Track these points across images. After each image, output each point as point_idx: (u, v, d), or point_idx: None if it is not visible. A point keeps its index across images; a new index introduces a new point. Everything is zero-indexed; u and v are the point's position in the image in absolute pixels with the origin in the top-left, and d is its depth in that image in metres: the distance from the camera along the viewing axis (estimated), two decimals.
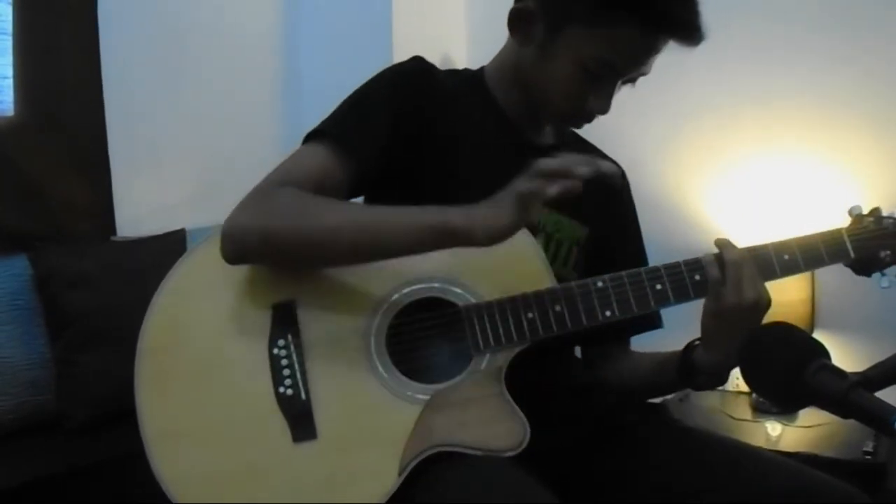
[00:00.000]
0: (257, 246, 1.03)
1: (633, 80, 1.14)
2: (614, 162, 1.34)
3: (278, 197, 1.04)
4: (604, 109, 1.13)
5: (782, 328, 0.82)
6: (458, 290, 1.06)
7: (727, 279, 1.04)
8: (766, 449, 1.24)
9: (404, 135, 1.11)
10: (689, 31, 1.06)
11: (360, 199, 1.20)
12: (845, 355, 2.22)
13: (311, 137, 1.12)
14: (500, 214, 0.94)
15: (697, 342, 1.12)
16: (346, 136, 1.09)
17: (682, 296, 1.06)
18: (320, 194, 1.05)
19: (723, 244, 1.08)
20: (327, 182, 1.07)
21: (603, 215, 1.25)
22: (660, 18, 1.06)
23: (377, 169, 1.11)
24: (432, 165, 1.13)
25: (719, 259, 1.06)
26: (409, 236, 0.99)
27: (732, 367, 1.09)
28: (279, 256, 1.05)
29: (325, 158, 1.08)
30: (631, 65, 1.10)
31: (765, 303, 1.05)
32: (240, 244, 1.03)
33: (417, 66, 1.17)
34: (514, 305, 1.04)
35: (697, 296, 1.06)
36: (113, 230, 2.22)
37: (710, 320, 1.07)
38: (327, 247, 1.02)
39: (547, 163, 0.93)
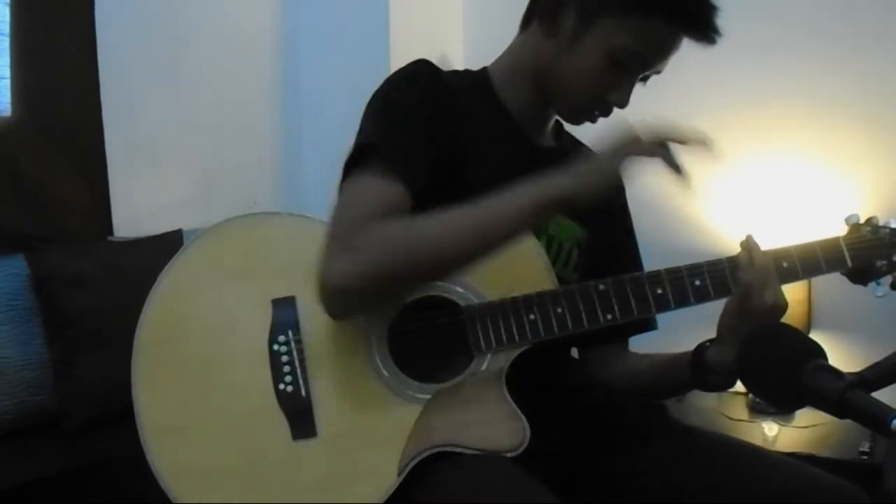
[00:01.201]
0: (373, 289, 0.99)
1: (647, 78, 1.16)
2: None
3: (371, 234, 0.98)
4: (623, 103, 1.15)
5: (779, 328, 0.82)
6: (461, 290, 1.06)
7: (753, 280, 1.05)
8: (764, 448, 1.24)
9: (436, 135, 1.09)
10: (712, 31, 1.10)
11: None
12: (842, 355, 2.22)
13: (357, 162, 1.06)
14: (597, 177, 0.99)
15: (708, 343, 1.13)
16: (398, 156, 1.05)
17: (683, 301, 1.07)
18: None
19: (750, 246, 1.09)
20: (395, 206, 1.03)
21: (602, 218, 1.25)
22: (690, 15, 1.09)
23: (427, 175, 1.07)
24: (438, 167, 1.13)
25: (748, 259, 1.07)
26: (516, 223, 0.99)
27: None
28: (394, 290, 1.02)
29: (386, 187, 1.03)
30: (657, 58, 1.13)
31: (782, 307, 1.06)
32: (354, 293, 0.99)
33: (427, 69, 1.17)
34: (515, 306, 1.05)
35: (698, 301, 1.07)
36: (110, 230, 2.21)
37: (730, 319, 1.08)
38: (438, 262, 1.00)
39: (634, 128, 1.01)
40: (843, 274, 1.14)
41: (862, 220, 1.15)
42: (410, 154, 1.06)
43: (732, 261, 1.08)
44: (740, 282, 1.06)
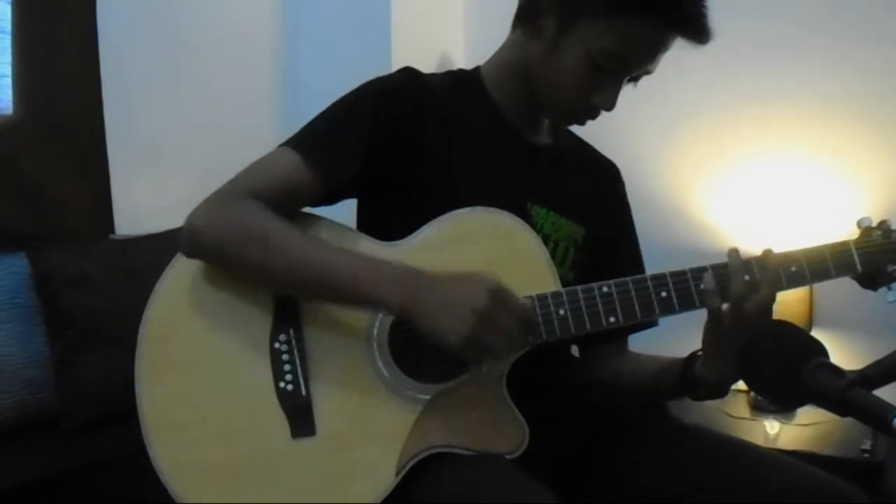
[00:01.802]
0: (212, 253, 1.06)
1: (636, 79, 1.14)
2: (611, 161, 1.35)
3: (245, 213, 1.05)
4: (609, 105, 1.13)
5: (780, 326, 0.82)
6: None
7: (721, 309, 1.03)
8: (764, 447, 1.24)
9: (386, 148, 1.11)
10: (700, 28, 1.07)
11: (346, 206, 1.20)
12: (843, 353, 2.22)
13: (286, 143, 1.12)
14: (445, 328, 0.96)
15: (700, 353, 1.11)
16: (318, 149, 1.09)
17: (688, 304, 1.05)
18: (288, 201, 1.07)
19: (730, 263, 1.04)
20: (296, 190, 1.09)
21: (600, 216, 1.25)
22: (672, 14, 1.06)
23: (352, 181, 1.12)
24: (429, 169, 1.13)
25: (714, 287, 1.04)
26: (350, 300, 1.03)
27: (734, 380, 1.09)
28: (229, 269, 1.07)
29: (294, 167, 1.08)
30: (640, 60, 1.10)
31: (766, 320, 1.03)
32: (196, 245, 1.06)
33: (404, 77, 1.16)
34: None
35: (703, 305, 1.05)
36: (111, 229, 2.21)
37: (710, 337, 1.07)
38: (276, 281, 1.05)
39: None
40: (854, 278, 1.11)
41: (874, 224, 1.12)
42: (332, 152, 1.09)
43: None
44: (708, 310, 1.04)
